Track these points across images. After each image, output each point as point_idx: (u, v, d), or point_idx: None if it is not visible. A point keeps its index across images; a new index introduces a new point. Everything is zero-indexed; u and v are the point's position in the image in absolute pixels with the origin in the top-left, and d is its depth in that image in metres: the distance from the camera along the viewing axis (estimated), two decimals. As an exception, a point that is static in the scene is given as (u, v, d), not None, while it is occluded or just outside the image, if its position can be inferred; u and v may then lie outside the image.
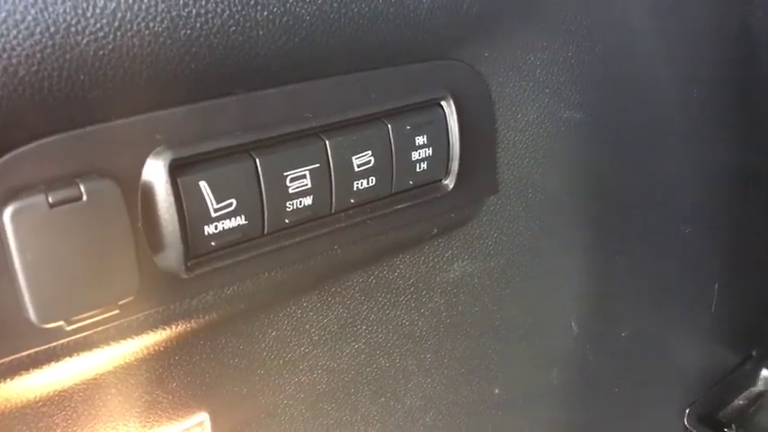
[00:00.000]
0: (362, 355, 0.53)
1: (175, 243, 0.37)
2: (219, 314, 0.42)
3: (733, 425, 0.80)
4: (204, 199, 0.37)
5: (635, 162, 0.62)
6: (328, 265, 0.46)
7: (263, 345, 0.48)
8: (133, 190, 0.36)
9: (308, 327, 0.49)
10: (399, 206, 0.46)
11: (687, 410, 0.79)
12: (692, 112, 0.64)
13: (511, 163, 0.53)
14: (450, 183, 0.49)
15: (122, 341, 0.39)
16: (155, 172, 0.36)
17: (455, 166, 0.48)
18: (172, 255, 0.37)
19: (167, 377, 0.44)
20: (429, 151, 0.46)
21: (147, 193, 0.36)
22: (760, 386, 0.83)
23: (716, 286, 0.75)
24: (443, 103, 0.47)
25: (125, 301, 0.36)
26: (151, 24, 0.34)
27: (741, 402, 0.82)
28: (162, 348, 0.42)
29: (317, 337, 0.50)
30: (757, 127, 0.70)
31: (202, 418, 0.47)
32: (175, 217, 0.36)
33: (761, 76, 0.68)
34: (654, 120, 0.61)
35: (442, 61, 0.48)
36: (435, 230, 0.51)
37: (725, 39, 0.66)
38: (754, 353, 0.84)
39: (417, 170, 0.46)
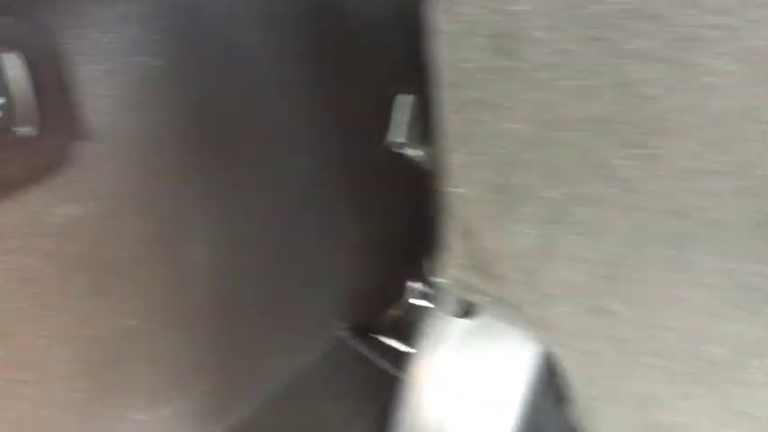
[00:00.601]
0: (-27, 303, 0.56)
1: None
2: None
3: (389, 333, 0.91)
4: None
5: (236, 102, 0.69)
6: None
7: None
8: None
9: None
10: None
11: (342, 324, 0.88)
12: (279, 55, 0.71)
13: (98, 110, 0.58)
14: (26, 130, 0.52)
15: None
16: None
17: (30, 114, 0.52)
18: None
19: None
20: (-4, 101, 0.50)
21: None
22: (412, 297, 0.95)
23: (360, 208, 0.84)
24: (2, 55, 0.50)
25: None
26: None
27: (396, 313, 0.94)
28: None
29: None
30: (354, 60, 0.79)
31: None
32: None
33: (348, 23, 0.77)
34: (243, 63, 0.68)
35: (4, 17, 0.51)
36: (22, 176, 0.55)
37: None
38: (405, 268, 0.95)
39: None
